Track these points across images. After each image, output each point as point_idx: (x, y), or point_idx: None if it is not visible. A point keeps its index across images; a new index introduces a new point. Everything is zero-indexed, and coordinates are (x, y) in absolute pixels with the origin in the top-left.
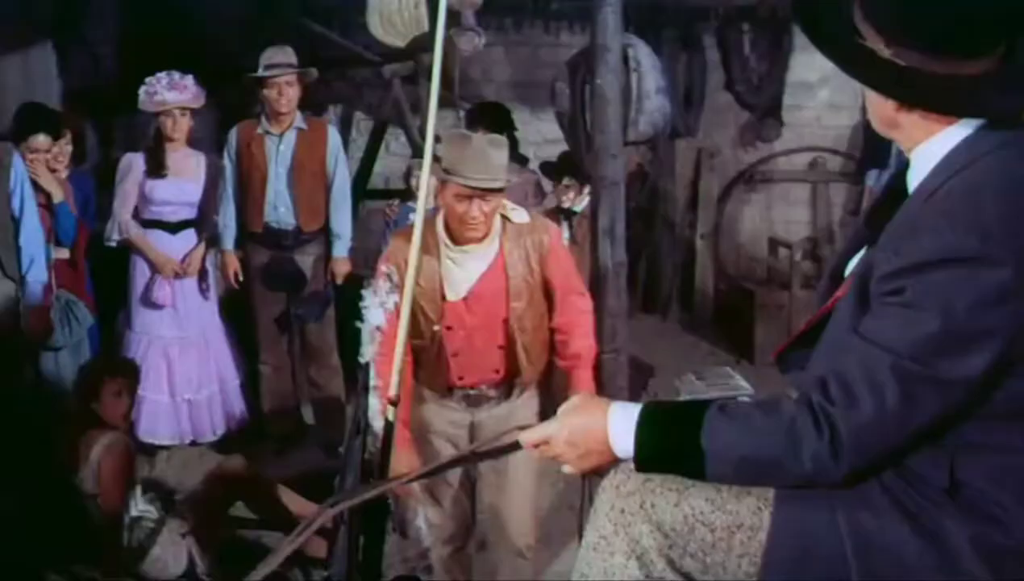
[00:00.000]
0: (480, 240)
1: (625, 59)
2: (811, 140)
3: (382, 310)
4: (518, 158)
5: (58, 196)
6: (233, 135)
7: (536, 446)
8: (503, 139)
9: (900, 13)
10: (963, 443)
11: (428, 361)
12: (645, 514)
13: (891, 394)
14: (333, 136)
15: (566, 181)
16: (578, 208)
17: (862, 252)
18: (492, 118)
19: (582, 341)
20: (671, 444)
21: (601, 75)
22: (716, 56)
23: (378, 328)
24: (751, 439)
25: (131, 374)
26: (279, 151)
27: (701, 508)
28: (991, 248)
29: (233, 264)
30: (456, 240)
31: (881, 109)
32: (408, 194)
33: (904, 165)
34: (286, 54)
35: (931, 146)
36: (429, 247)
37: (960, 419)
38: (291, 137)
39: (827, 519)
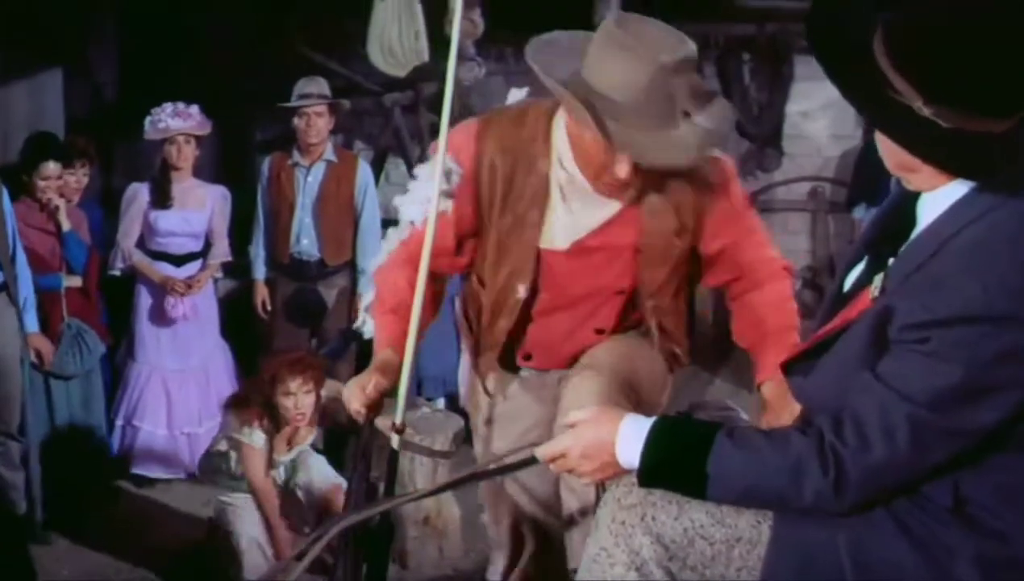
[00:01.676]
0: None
1: None
2: (811, 169)
3: (422, 206)
4: None
5: (66, 225)
6: (266, 165)
7: (552, 460)
8: None
9: (945, 72)
10: (968, 462)
11: (491, 325)
12: (645, 526)
13: (903, 442)
14: (363, 170)
15: None
16: None
17: (861, 265)
18: None
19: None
20: (677, 464)
21: None
22: (716, 85)
23: (412, 222)
24: (756, 470)
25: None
26: (307, 182)
27: (701, 521)
28: (1019, 307)
29: (262, 293)
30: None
31: (900, 156)
32: None
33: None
34: (318, 85)
35: (946, 188)
36: (535, 157)
37: (970, 451)
38: (320, 169)
39: (826, 535)
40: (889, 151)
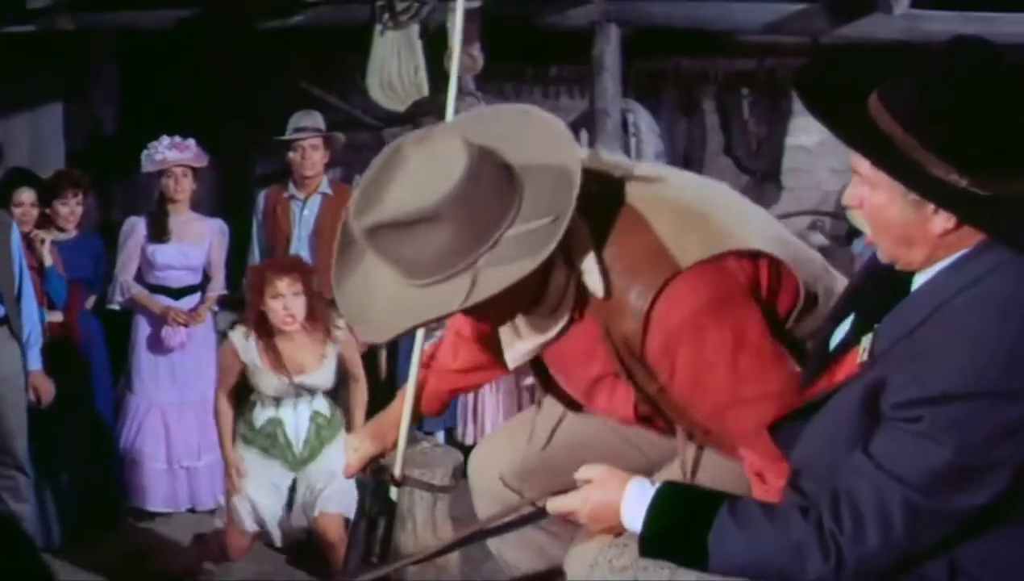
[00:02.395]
0: None
1: (624, 124)
2: (811, 204)
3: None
4: None
5: (48, 260)
6: (261, 198)
7: (562, 516)
8: None
9: (978, 144)
10: (964, 535)
11: None
12: None
13: (899, 527)
14: None
15: None
16: None
17: (847, 323)
18: None
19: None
20: (678, 537)
21: (600, 139)
22: (715, 120)
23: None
24: (757, 549)
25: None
26: (303, 216)
27: None
28: (1012, 382)
29: None
30: None
31: (906, 231)
32: None
33: None
34: (313, 118)
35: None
36: None
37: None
38: (316, 202)
39: None
40: (887, 229)
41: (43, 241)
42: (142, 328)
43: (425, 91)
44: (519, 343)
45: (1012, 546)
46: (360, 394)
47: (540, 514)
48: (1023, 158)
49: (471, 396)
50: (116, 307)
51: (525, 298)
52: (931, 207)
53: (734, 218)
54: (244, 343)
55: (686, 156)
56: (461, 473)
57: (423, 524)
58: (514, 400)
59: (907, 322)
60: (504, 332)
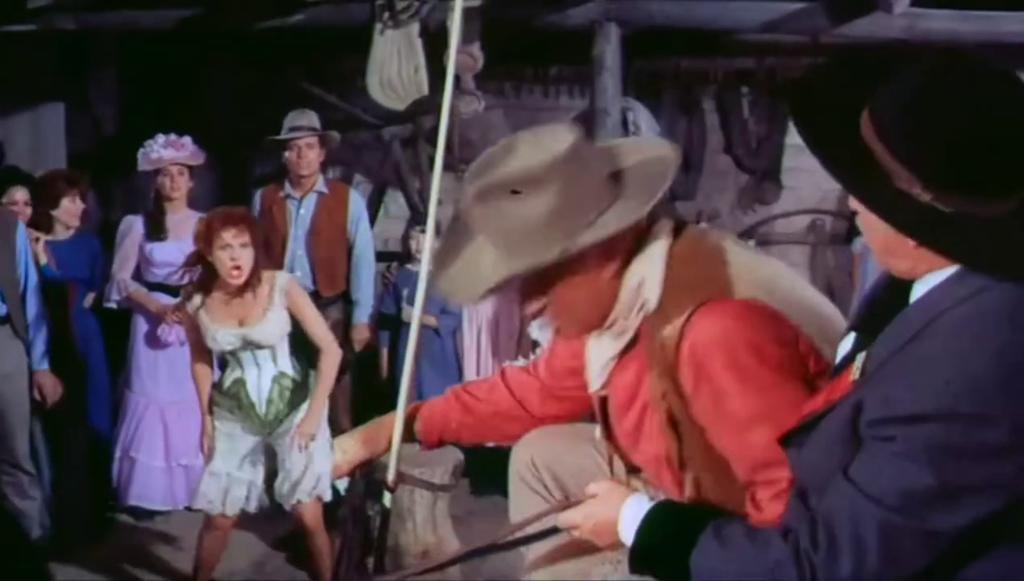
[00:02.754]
0: None
1: (624, 123)
2: (810, 202)
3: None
4: None
5: (43, 258)
6: (257, 198)
7: (568, 529)
8: None
9: (941, 155)
10: (965, 554)
11: None
12: None
13: (872, 553)
14: (355, 201)
15: None
16: None
17: (849, 340)
18: None
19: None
20: (664, 553)
21: (600, 138)
22: (715, 119)
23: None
24: (736, 570)
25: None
26: (299, 214)
27: None
28: (991, 405)
29: None
30: None
31: (886, 241)
32: (407, 257)
33: None
34: (308, 117)
35: (931, 277)
36: None
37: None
38: (311, 201)
39: None
40: (873, 235)
41: (38, 239)
42: (140, 326)
43: (425, 90)
44: (597, 355)
45: (1009, 559)
46: (328, 364)
47: (552, 531)
48: (994, 178)
49: None
50: (114, 306)
51: (600, 302)
52: None
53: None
54: (193, 299)
55: (686, 155)
56: (461, 471)
57: (423, 523)
58: None
59: (900, 338)
60: (590, 348)
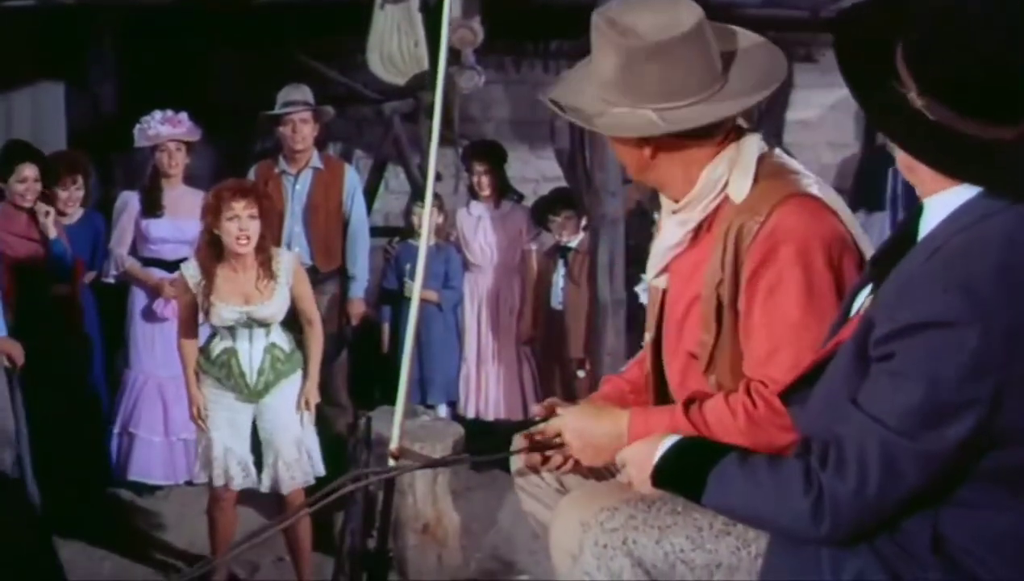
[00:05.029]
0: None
1: None
2: None
3: None
4: (511, 194)
5: (52, 232)
6: (252, 174)
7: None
8: None
9: (943, 62)
10: (947, 500)
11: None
12: (627, 550)
13: (874, 472)
14: (350, 176)
15: (565, 214)
16: (573, 243)
17: (866, 291)
18: (486, 155)
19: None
20: (683, 469)
21: None
22: None
23: None
24: (747, 489)
25: None
26: (295, 190)
27: (682, 546)
28: (978, 314)
29: None
30: None
31: (903, 153)
32: (408, 232)
33: (918, 209)
34: (302, 92)
35: (945, 196)
36: None
37: (944, 481)
38: (307, 176)
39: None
40: (898, 152)
41: (48, 213)
42: (137, 304)
43: (425, 65)
44: (659, 243)
45: (996, 516)
46: (314, 338)
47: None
48: (1006, 102)
49: (473, 370)
50: (111, 281)
51: (684, 182)
52: None
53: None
54: (194, 273)
55: None
56: (461, 447)
57: (423, 497)
58: (515, 373)
59: (908, 270)
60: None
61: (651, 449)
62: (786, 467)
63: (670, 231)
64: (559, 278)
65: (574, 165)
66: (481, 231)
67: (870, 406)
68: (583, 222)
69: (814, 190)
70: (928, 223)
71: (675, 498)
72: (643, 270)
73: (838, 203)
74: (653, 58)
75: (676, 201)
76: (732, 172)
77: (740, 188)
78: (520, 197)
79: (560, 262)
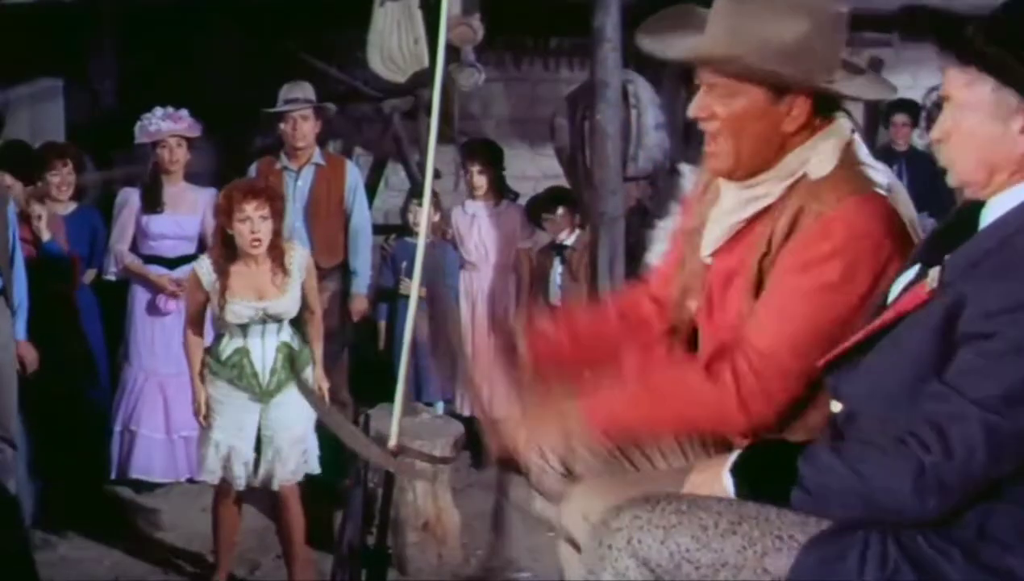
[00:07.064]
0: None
1: (625, 95)
2: None
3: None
4: (507, 193)
5: (45, 235)
6: (253, 170)
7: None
8: None
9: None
10: (996, 494)
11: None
12: (631, 549)
13: (980, 454)
14: (352, 172)
15: (560, 212)
16: (569, 241)
17: (911, 273)
18: (481, 154)
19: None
20: (768, 462)
21: (601, 111)
22: None
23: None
24: (845, 471)
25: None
26: (296, 187)
27: (687, 545)
28: None
29: None
30: None
31: (988, 154)
32: (406, 229)
33: (973, 204)
34: (303, 89)
35: (1016, 190)
36: None
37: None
38: (309, 173)
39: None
40: (974, 150)
41: (40, 217)
42: (138, 301)
43: (425, 62)
44: (724, 217)
45: None
46: (315, 325)
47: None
48: None
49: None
50: (112, 278)
51: (763, 150)
52: (1017, 127)
53: None
54: (207, 271)
55: (686, 127)
56: (462, 444)
57: (423, 495)
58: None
59: (976, 252)
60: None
61: (717, 469)
62: (887, 448)
63: (737, 205)
64: (556, 276)
65: (574, 163)
66: (476, 229)
67: (967, 387)
68: (578, 219)
69: (883, 190)
70: (994, 212)
71: (680, 497)
72: (643, 269)
73: (902, 195)
74: (838, 28)
75: (745, 176)
76: (817, 153)
77: (821, 169)
78: (515, 196)
79: (557, 260)
